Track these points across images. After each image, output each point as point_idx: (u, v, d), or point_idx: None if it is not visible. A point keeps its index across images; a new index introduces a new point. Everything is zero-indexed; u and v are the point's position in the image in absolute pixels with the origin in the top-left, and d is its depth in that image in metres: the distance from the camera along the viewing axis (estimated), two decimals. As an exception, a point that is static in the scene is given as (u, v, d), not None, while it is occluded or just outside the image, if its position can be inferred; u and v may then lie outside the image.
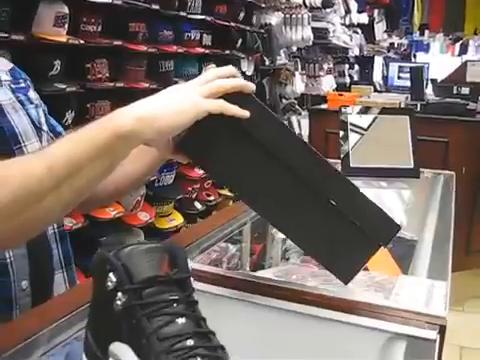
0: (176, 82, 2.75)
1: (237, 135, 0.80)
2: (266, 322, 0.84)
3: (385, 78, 7.62)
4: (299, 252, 1.32)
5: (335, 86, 5.95)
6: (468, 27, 6.92)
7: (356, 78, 7.34)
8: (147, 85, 2.47)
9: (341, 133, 1.97)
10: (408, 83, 6.83)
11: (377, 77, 7.75)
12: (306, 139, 4.85)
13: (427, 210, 1.55)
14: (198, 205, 3.07)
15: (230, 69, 0.81)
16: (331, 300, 0.86)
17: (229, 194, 3.42)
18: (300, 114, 5.12)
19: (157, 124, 0.72)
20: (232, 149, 0.81)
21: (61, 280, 1.05)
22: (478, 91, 3.85)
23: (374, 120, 2.05)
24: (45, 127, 1.07)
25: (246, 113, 0.77)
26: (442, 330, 0.79)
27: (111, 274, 0.56)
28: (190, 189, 2.99)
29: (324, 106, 4.14)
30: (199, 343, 0.54)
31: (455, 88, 3.91)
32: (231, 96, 0.77)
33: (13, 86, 1.04)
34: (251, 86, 0.80)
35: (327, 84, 5.73)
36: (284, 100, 4.97)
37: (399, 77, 7.86)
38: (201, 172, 3.01)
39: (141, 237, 2.59)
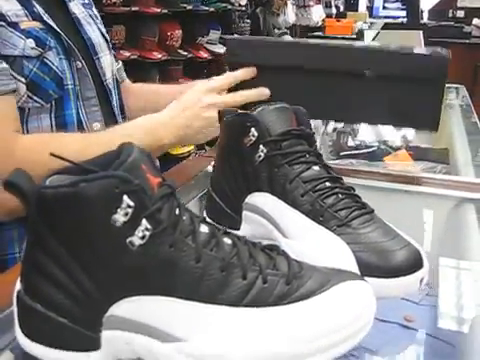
0: (184, 8, 2.76)
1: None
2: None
3: (370, 8, 7.57)
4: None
5: (324, 16, 5.93)
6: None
7: (342, 9, 7.29)
8: (158, 10, 2.48)
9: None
10: (393, 13, 6.82)
11: (362, 8, 7.70)
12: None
13: (451, 120, 1.63)
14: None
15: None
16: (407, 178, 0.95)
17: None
18: (292, 44, 5.12)
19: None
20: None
21: None
22: (473, 14, 3.90)
23: (383, 34, 2.12)
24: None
25: (266, 91, 0.89)
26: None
27: (253, 129, 0.63)
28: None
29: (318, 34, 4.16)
30: (335, 184, 0.62)
31: (450, 12, 3.94)
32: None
33: (81, 1, 1.08)
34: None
35: (317, 14, 5.71)
36: (276, 30, 4.97)
37: (384, 7, 7.81)
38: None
39: (156, 162, 2.65)
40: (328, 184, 0.61)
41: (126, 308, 0.43)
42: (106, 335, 0.44)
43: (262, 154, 0.62)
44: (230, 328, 0.43)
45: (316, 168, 0.62)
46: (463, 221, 0.87)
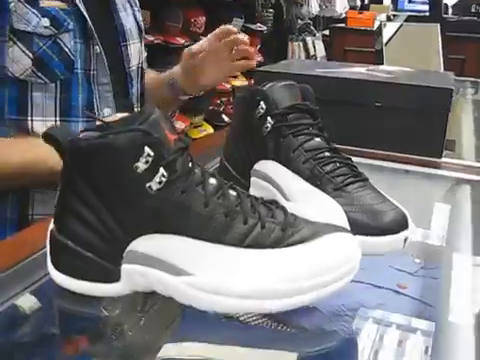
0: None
1: None
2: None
3: (395, 1, 7.53)
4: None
5: (348, 8, 5.93)
6: None
7: (367, 1, 7.27)
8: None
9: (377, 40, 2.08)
10: (419, 6, 6.78)
11: (387, 1, 7.66)
12: (321, 58, 4.92)
13: (463, 114, 1.67)
14: (225, 118, 3.21)
15: None
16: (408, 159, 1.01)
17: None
18: (315, 35, 5.16)
19: None
20: None
21: None
22: (497, 9, 3.90)
23: (402, 27, 2.16)
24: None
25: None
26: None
27: (262, 102, 0.69)
28: (218, 102, 3.13)
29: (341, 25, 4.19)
30: (334, 154, 0.68)
31: (473, 7, 3.94)
32: None
33: None
34: None
35: (341, 5, 5.73)
36: (299, 21, 5.01)
37: (410, 1, 7.75)
38: (229, 86, 3.12)
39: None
40: (327, 154, 0.68)
41: (144, 244, 0.50)
42: (125, 268, 0.52)
43: (269, 125, 0.69)
44: (231, 265, 0.50)
45: (318, 139, 0.69)
46: (458, 198, 0.93)
